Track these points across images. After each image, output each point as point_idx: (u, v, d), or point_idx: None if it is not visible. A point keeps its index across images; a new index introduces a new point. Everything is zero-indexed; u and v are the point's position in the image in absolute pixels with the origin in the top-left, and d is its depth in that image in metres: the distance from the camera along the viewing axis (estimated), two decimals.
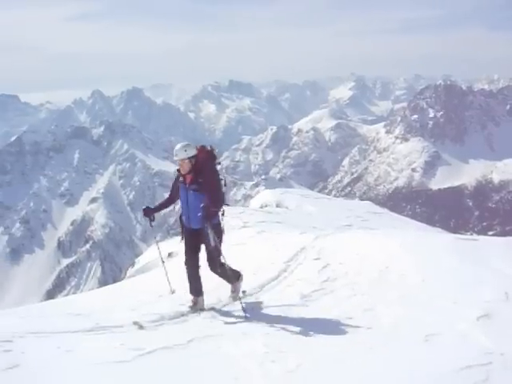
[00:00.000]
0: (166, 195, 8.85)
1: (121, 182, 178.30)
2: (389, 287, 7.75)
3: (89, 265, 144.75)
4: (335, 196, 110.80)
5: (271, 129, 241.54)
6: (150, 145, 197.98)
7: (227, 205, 8.85)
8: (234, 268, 8.52)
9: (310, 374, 4.95)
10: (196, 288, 8.27)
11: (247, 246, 12.72)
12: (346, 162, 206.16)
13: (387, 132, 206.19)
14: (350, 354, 5.39)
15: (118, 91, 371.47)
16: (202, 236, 8.22)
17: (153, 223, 9.05)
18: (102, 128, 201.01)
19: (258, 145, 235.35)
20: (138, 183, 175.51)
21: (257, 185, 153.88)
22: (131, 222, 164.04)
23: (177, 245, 15.96)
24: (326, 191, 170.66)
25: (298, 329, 6.30)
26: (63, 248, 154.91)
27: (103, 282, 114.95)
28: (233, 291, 8.47)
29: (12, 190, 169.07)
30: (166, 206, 9.09)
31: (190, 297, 8.24)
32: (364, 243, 10.84)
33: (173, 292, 8.65)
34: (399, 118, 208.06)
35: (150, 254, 19.53)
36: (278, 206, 23.10)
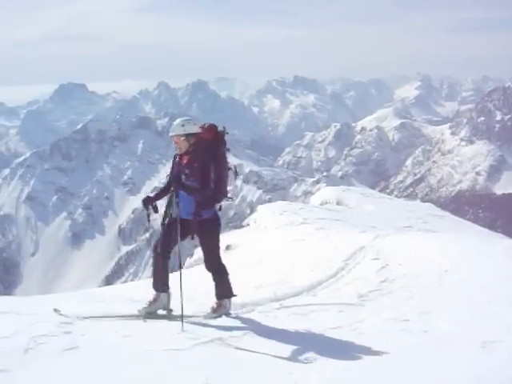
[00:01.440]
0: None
1: None
2: (447, 291, 7.65)
3: (148, 253, 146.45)
4: (396, 196, 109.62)
5: (334, 126, 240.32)
6: None
7: (230, 198, 7.93)
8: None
9: (363, 373, 4.95)
10: (163, 282, 7.39)
11: (306, 243, 12.68)
12: (408, 162, 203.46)
13: (452, 134, 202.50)
14: (405, 356, 5.35)
15: (184, 83, 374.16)
16: (189, 228, 7.45)
17: (155, 215, 7.91)
18: (166, 119, 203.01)
19: (321, 141, 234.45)
20: None
21: (318, 181, 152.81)
22: None
23: (235, 237, 16.04)
24: (388, 191, 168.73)
25: (353, 327, 6.29)
26: (123, 235, 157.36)
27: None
28: (215, 308, 7.36)
29: (76, 177, 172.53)
30: (166, 193, 7.97)
31: (151, 295, 7.30)
32: (424, 245, 10.71)
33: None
34: (465, 120, 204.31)
35: None
36: (338, 203, 22.97)
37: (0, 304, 7.18)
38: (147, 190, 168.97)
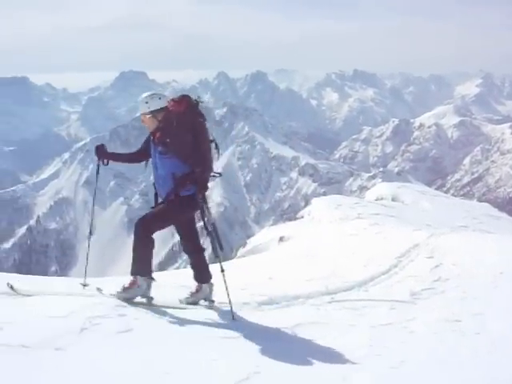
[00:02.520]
0: (283, 180, 7.71)
1: (239, 163, 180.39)
2: (502, 293, 7.56)
3: (201, 241, 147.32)
4: (453, 195, 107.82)
5: (393, 121, 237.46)
6: (270, 129, 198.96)
7: (218, 174, 7.11)
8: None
9: (413, 372, 4.92)
10: (145, 266, 6.81)
11: (359, 238, 12.64)
12: (466, 160, 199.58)
13: None
14: (454, 356, 5.30)
15: (243, 74, 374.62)
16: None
17: (102, 166, 7.29)
18: (224, 109, 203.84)
19: (378, 136, 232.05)
20: (255, 166, 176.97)
21: (374, 177, 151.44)
22: (246, 203, 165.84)
23: (289, 229, 16.05)
24: (444, 189, 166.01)
25: (404, 325, 6.26)
26: None
27: (213, 260, 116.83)
28: (194, 292, 7.10)
29: (135, 164, 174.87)
30: (128, 160, 7.59)
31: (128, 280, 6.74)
32: (479, 246, 10.59)
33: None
34: None
35: (261, 236, 19.68)
36: (393, 199, 22.78)
37: (58, 285, 7.36)
38: None
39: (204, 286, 7.17)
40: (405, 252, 10.42)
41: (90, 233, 8.50)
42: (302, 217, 19.08)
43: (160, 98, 6.89)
